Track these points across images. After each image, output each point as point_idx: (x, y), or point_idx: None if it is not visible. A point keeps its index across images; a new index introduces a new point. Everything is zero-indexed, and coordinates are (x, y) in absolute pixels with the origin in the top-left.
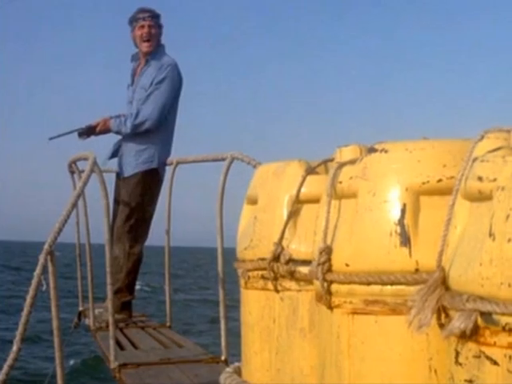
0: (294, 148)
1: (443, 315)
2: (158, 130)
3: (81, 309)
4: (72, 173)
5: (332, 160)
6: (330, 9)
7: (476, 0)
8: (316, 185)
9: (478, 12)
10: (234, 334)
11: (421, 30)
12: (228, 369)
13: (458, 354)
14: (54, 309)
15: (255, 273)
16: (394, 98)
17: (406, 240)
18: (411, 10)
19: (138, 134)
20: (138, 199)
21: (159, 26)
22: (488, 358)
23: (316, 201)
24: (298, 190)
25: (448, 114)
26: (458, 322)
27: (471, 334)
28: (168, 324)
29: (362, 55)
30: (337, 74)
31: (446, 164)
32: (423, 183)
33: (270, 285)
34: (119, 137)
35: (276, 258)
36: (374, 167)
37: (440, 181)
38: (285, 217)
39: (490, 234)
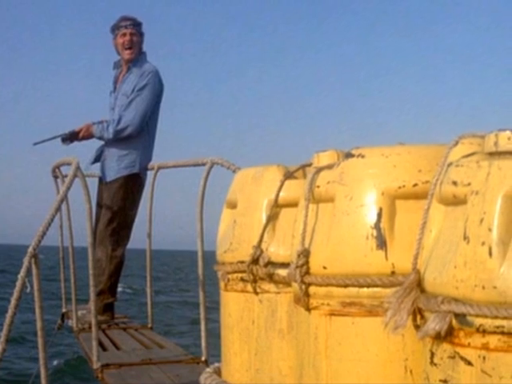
0: (273, 153)
1: (419, 317)
2: (139, 136)
3: (64, 310)
4: (56, 177)
5: (310, 165)
6: (307, 17)
7: (450, 9)
8: (294, 189)
9: (451, 20)
10: (214, 335)
11: (396, 37)
12: (208, 369)
13: (433, 354)
14: (37, 310)
15: (235, 275)
16: (371, 104)
17: (382, 243)
18: (387, 18)
19: (120, 139)
20: (120, 203)
21: (141, 34)
22: (462, 358)
23: (294, 205)
24: (277, 195)
25: (423, 119)
26: (433, 324)
27: (446, 335)
28: (149, 325)
29: (339, 62)
30: (314, 81)
31: (421, 169)
32: (399, 187)
33: (249, 287)
34: (102, 142)
35: (255, 261)
36: (351, 172)
37: (415, 185)
38: (264, 220)
39: (465, 238)
